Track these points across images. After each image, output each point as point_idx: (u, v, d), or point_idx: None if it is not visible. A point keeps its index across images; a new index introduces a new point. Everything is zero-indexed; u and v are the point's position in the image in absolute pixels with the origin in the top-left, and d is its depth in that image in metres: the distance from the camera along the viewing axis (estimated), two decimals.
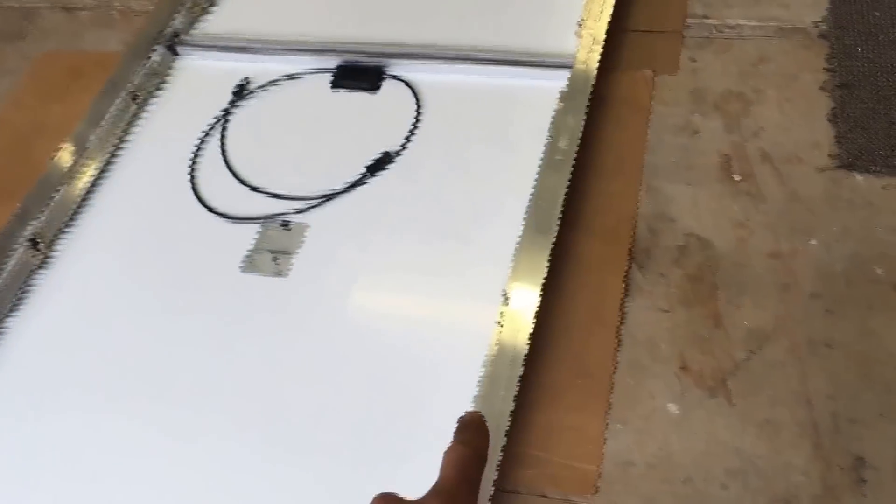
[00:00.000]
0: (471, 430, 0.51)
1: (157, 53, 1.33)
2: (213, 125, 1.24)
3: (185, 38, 1.36)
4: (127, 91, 1.27)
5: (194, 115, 1.26)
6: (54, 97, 1.36)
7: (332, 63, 1.27)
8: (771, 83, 1.13)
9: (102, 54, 1.41)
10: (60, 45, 1.45)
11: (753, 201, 1.02)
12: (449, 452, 0.52)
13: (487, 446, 0.51)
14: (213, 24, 1.40)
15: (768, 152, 1.06)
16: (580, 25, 1.22)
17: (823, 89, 1.11)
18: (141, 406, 0.97)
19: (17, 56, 1.45)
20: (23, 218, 1.13)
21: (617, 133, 1.14)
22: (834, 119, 1.07)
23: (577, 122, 1.09)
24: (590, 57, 1.17)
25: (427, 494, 0.49)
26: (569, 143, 1.07)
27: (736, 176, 1.05)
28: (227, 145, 1.21)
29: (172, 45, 1.34)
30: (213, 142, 1.22)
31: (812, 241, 0.97)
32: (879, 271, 0.94)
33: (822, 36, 1.17)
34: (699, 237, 1.01)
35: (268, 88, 1.27)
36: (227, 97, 1.27)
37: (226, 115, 1.25)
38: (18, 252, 1.11)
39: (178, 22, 1.37)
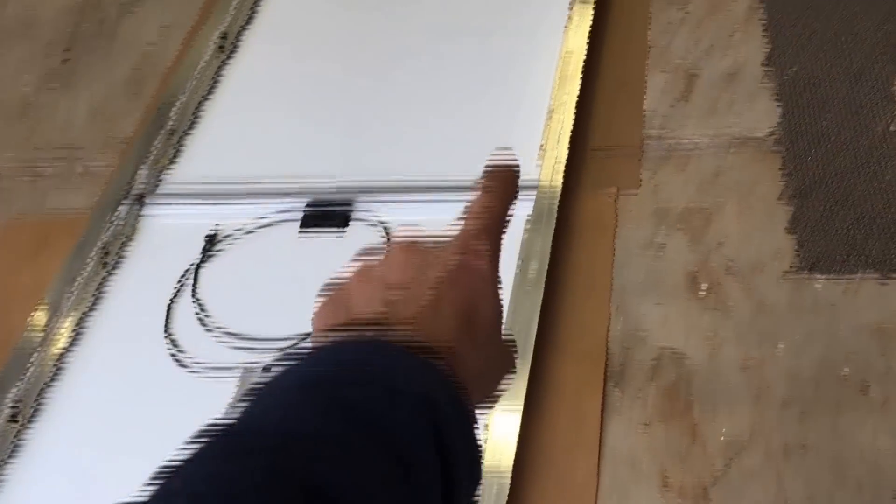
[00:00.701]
0: (499, 182, 0.52)
1: (125, 210, 1.45)
2: (186, 278, 1.36)
3: (151, 193, 1.49)
4: (96, 251, 1.39)
5: (166, 269, 1.38)
6: (24, 263, 1.47)
7: (300, 203, 1.40)
8: (730, 195, 1.27)
9: (68, 215, 1.53)
10: (25, 210, 1.58)
11: (721, 314, 1.14)
12: (473, 204, 0.51)
13: (515, 200, 0.51)
14: (178, 176, 1.52)
15: (732, 263, 1.19)
16: (541, 149, 1.36)
17: (780, 197, 1.24)
18: None
19: None
20: (1, 388, 1.24)
21: (585, 254, 1.26)
22: (792, 226, 1.20)
23: (545, 246, 1.22)
24: (553, 179, 1.31)
25: (447, 244, 0.49)
26: (538, 267, 1.20)
27: (703, 289, 1.17)
28: (200, 296, 1.33)
29: (140, 200, 1.47)
30: (186, 294, 1.33)
31: (780, 349, 1.09)
32: (846, 373, 1.05)
33: (776, 144, 1.31)
34: (671, 352, 1.12)
35: (238, 237, 1.40)
36: (197, 248, 1.39)
37: (197, 267, 1.37)
38: None
39: (143, 176, 1.50)
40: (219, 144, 1.57)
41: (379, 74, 1.61)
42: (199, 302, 1.32)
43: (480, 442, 0.43)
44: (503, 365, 0.50)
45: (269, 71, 1.68)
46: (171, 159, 1.55)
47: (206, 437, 0.38)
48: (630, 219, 1.28)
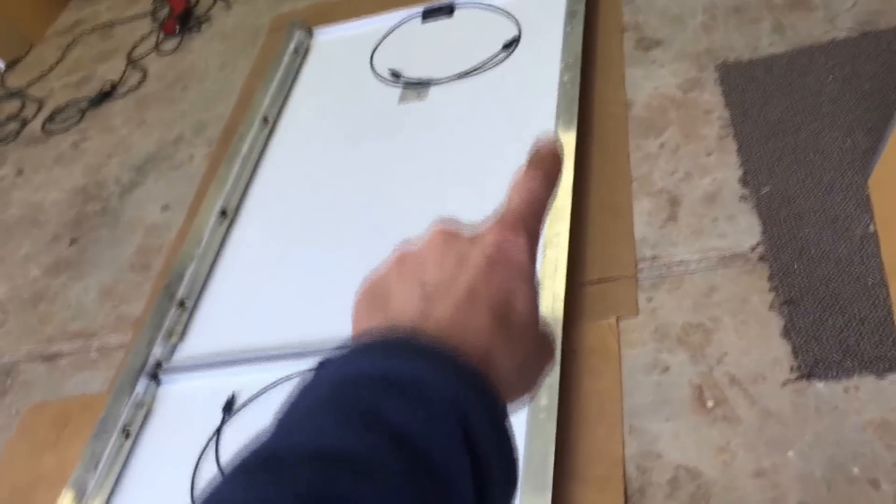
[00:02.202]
0: (544, 164, 0.50)
1: (142, 385, 1.51)
2: (208, 445, 1.40)
3: (166, 366, 1.55)
4: (118, 428, 1.44)
5: (186, 439, 1.42)
6: (46, 447, 1.52)
7: (313, 362, 1.45)
8: (724, 310, 1.33)
9: (86, 397, 1.59)
10: (44, 395, 1.63)
11: (730, 425, 1.19)
12: (518, 182, 0.50)
13: (559, 180, 0.49)
14: (192, 347, 1.59)
15: (735, 375, 1.24)
16: (539, 286, 1.42)
17: (771, 308, 1.30)
18: None
19: (3, 414, 1.63)
20: None
21: (593, 382, 1.31)
22: (786, 334, 1.26)
23: (553, 379, 1.27)
24: (553, 314, 1.36)
25: (490, 222, 0.48)
26: (549, 400, 1.24)
27: (710, 403, 1.22)
28: (223, 461, 1.37)
29: (155, 375, 1.53)
30: (209, 462, 1.38)
31: (790, 454, 1.13)
32: (856, 470, 1.09)
33: (761, 258, 1.37)
34: (687, 468, 1.16)
35: (255, 399, 1.45)
36: (216, 415, 1.44)
37: (218, 433, 1.41)
38: None
39: (157, 351, 1.56)
40: (228, 312, 1.64)
41: (369, 221, 1.69)
42: (222, 467, 1.36)
43: (515, 442, 0.44)
44: (541, 357, 0.49)
45: (269, 236, 1.76)
46: (183, 332, 1.62)
47: (244, 454, 0.39)
48: (632, 342, 1.34)
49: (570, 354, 1.33)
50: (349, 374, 0.42)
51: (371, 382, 0.41)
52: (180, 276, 1.68)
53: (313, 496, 0.37)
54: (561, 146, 0.53)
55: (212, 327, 1.63)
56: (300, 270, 1.68)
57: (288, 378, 1.46)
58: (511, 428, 0.43)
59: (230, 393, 1.46)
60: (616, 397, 1.28)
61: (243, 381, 1.48)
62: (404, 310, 0.46)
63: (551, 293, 1.40)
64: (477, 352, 0.44)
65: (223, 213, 1.78)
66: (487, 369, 0.44)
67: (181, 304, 1.64)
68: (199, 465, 1.38)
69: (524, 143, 0.54)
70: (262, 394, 1.45)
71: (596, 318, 1.40)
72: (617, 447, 1.22)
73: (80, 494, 1.36)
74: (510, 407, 0.45)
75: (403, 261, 0.49)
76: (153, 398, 1.52)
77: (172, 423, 1.48)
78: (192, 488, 1.35)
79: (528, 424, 1.23)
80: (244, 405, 1.45)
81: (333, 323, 1.53)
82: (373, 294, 0.49)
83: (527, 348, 0.47)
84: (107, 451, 1.41)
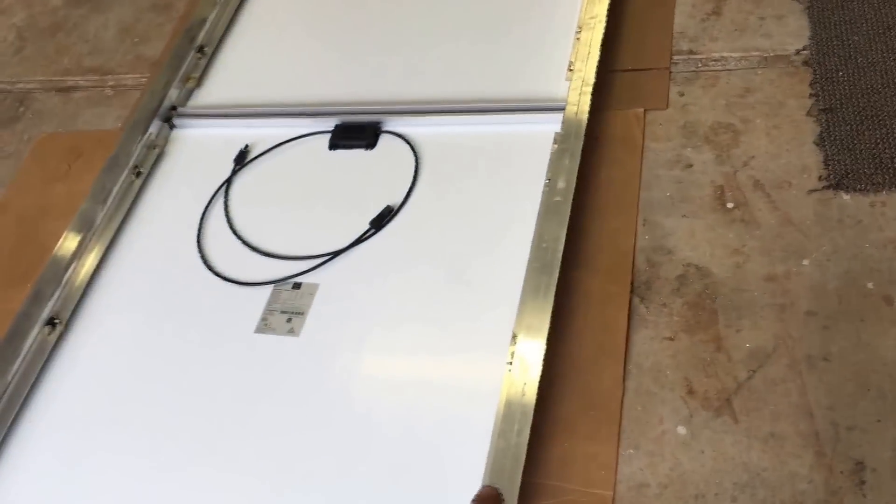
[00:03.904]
0: None
1: (155, 127, 1.48)
2: (217, 193, 1.38)
3: (181, 110, 1.51)
4: (129, 166, 1.42)
5: (196, 185, 1.41)
6: (56, 178, 1.50)
7: (329, 124, 1.42)
8: (758, 112, 1.28)
9: (100, 132, 1.56)
10: (57, 127, 1.61)
11: (747, 228, 1.16)
12: None
13: None
14: (208, 94, 1.55)
15: (759, 180, 1.20)
16: (570, 69, 1.37)
17: (809, 114, 1.25)
18: (160, 461, 1.10)
19: (14, 140, 1.60)
20: (38, 299, 1.27)
21: (612, 171, 1.28)
22: (820, 142, 1.21)
23: (573, 163, 1.23)
24: (581, 98, 1.32)
25: None
26: (566, 184, 1.21)
27: (729, 205, 1.19)
28: (231, 212, 1.35)
29: (169, 118, 1.50)
30: (217, 209, 1.36)
31: (805, 262, 1.11)
32: (870, 285, 1.07)
33: (805, 63, 1.31)
34: (697, 266, 1.14)
35: (267, 153, 1.42)
36: (228, 165, 1.41)
37: (228, 183, 1.39)
38: (35, 332, 1.24)
39: (173, 94, 1.52)
40: (247, 65, 1.59)
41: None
42: (230, 215, 1.35)
43: None
44: None
45: None
46: (201, 78, 1.57)
47: None
48: (658, 136, 1.29)
49: (592, 142, 1.29)
50: None
51: None
52: (202, 21, 1.62)
53: None
54: (497, 494, 0.59)
55: (230, 76, 1.58)
56: (326, 29, 1.62)
57: (302, 136, 1.42)
58: None
59: (243, 144, 1.43)
60: (634, 188, 1.25)
61: (257, 133, 1.45)
62: None
63: (581, 77, 1.34)
64: None
65: None
66: None
67: (201, 49, 1.59)
68: (207, 212, 1.36)
69: None
70: (274, 148, 1.42)
71: (623, 107, 1.35)
72: (628, 238, 1.19)
73: (88, 226, 1.35)
74: None
75: None
76: (166, 141, 1.49)
77: (183, 168, 1.45)
78: (200, 231, 1.33)
79: (542, 205, 1.20)
80: (255, 158, 1.42)
81: (354, 85, 1.51)
82: None
83: None
84: (116, 187, 1.39)
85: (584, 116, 1.29)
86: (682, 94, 1.34)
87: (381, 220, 1.27)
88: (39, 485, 1.13)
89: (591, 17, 1.42)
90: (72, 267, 1.31)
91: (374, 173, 1.35)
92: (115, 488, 1.10)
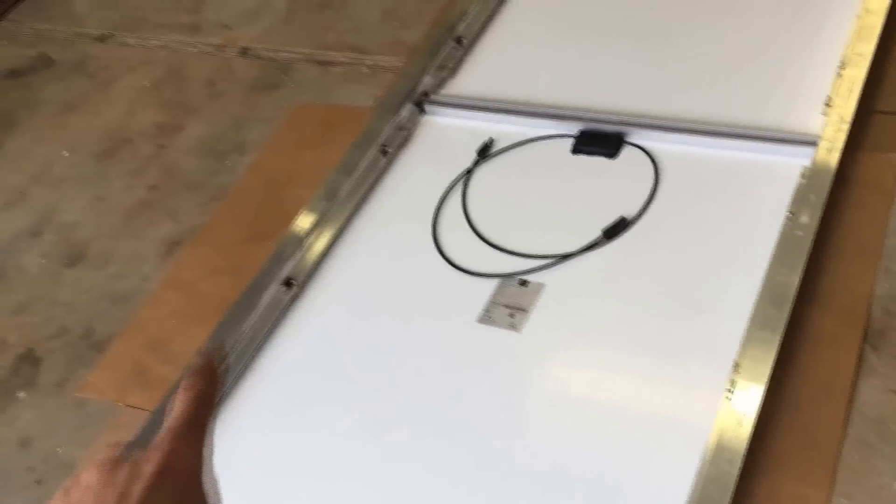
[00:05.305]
0: (197, 376, 0.58)
1: (406, 110, 1.54)
2: (457, 182, 1.42)
3: (432, 97, 1.57)
4: (377, 144, 1.48)
5: (438, 171, 1.46)
6: (308, 146, 1.59)
7: (574, 128, 1.44)
8: None
9: (352, 108, 1.64)
10: (313, 98, 1.69)
11: None
12: (177, 396, 0.56)
13: (214, 389, 0.56)
14: (459, 85, 1.60)
15: None
16: (827, 104, 1.34)
17: None
18: (381, 429, 1.16)
19: (273, 106, 1.70)
20: (278, 259, 1.35)
21: (857, 214, 1.25)
22: None
23: (819, 200, 1.21)
24: (836, 136, 1.29)
25: (150, 449, 0.53)
26: (810, 219, 1.19)
27: None
28: (468, 202, 1.40)
29: (420, 103, 1.55)
30: (455, 197, 1.41)
31: None
32: None
33: None
34: None
35: (510, 149, 1.45)
36: (471, 156, 1.45)
37: (469, 173, 1.43)
38: (273, 290, 1.32)
39: (426, 81, 1.58)
40: (501, 60, 1.63)
41: (670, 12, 1.62)
42: (467, 205, 1.39)
43: None
44: None
45: None
46: (455, 68, 1.62)
47: None
48: None
49: (839, 182, 1.26)
50: None
51: None
52: (463, 12, 1.67)
53: None
54: (212, 364, 0.57)
55: (483, 70, 1.62)
56: (583, 34, 1.64)
57: (545, 137, 1.45)
58: None
59: (488, 138, 1.47)
60: (879, 234, 1.22)
61: (503, 129, 1.49)
62: None
63: (839, 114, 1.32)
64: None
65: None
66: None
67: (459, 39, 1.64)
68: (445, 199, 1.40)
69: None
70: (517, 146, 1.46)
71: (877, 151, 1.32)
72: (867, 284, 1.16)
73: (331, 195, 1.42)
74: None
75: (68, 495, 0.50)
76: (415, 125, 1.54)
77: (427, 153, 1.50)
78: (436, 217, 1.38)
79: (781, 238, 1.19)
80: (499, 153, 1.46)
81: (603, 91, 1.53)
82: None
83: None
84: (364, 163, 1.46)
85: (837, 154, 1.26)
86: None
87: (615, 230, 1.28)
88: (262, 420, 1.21)
89: (857, 54, 1.39)
90: (313, 233, 1.38)
91: (613, 183, 1.37)
92: (324, 440, 1.16)
